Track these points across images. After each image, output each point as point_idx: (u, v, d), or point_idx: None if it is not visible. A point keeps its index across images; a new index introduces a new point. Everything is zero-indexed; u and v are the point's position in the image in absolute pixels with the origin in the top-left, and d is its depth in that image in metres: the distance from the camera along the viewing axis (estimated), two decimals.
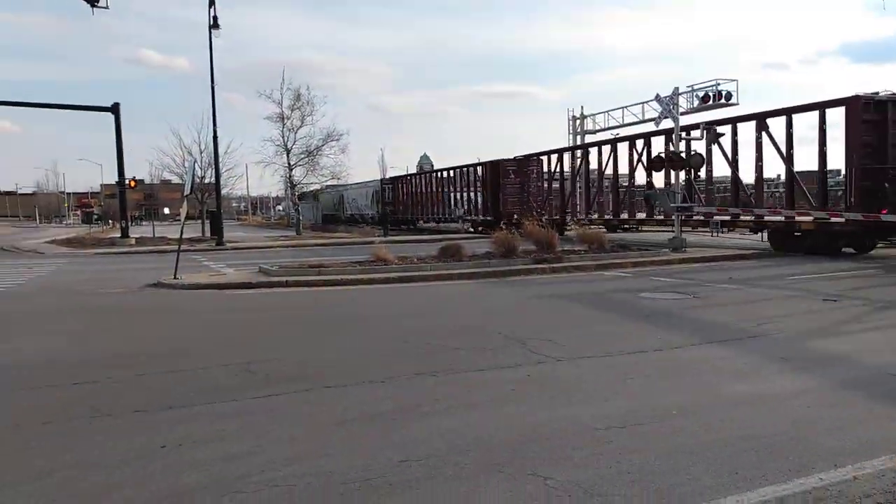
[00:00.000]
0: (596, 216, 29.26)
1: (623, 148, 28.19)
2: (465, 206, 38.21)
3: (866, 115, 17.94)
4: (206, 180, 38.25)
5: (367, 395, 5.85)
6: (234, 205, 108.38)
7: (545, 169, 34.13)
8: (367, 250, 18.83)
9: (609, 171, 28.99)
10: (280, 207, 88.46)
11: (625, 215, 28.61)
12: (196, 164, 35.79)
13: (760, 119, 21.03)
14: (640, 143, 27.09)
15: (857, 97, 18.19)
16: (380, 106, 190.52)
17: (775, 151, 20.41)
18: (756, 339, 7.94)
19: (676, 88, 21.86)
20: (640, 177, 28.08)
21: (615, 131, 35.29)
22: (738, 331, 8.41)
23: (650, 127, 26.09)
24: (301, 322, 10.33)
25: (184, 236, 18.58)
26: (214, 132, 31.26)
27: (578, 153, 32.32)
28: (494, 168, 35.86)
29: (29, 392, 6.23)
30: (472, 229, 37.46)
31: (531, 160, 34.75)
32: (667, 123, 22.60)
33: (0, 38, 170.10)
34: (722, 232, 25.13)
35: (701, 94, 23.61)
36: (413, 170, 67.95)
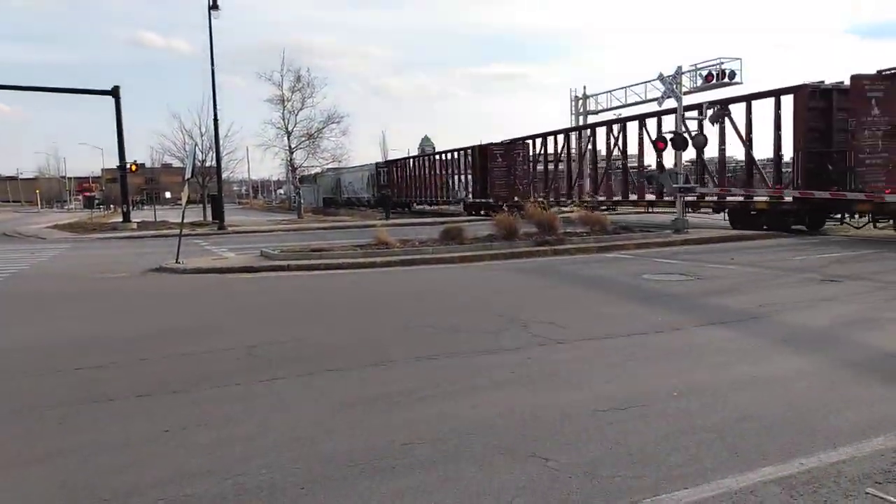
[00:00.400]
0: (579, 198, 30.06)
1: (616, 130, 28.64)
2: (466, 189, 38.27)
3: (812, 103, 19.02)
4: (207, 164, 38.18)
5: (369, 379, 5.88)
6: (235, 188, 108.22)
7: (536, 151, 34.76)
8: (368, 233, 18.83)
9: (606, 152, 29.29)
10: (281, 191, 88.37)
11: (617, 197, 28.79)
12: (197, 148, 35.80)
13: (724, 104, 22.09)
14: (632, 125, 27.42)
15: (803, 86, 19.22)
16: (381, 88, 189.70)
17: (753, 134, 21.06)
18: (757, 320, 7.95)
19: (679, 67, 21.66)
20: (638, 159, 28.19)
21: (617, 111, 35.08)
22: (739, 312, 8.42)
23: (653, 107, 25.98)
24: (303, 306, 10.36)
25: (185, 220, 18.59)
26: (215, 115, 31.20)
27: (573, 135, 32.42)
28: (483, 152, 36.94)
29: (31, 377, 6.26)
30: (463, 210, 38.56)
31: (517, 144, 35.61)
32: (670, 103, 22.46)
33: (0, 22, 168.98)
34: (688, 211, 25.75)
35: (704, 72, 23.42)
36: (415, 152, 67.84)
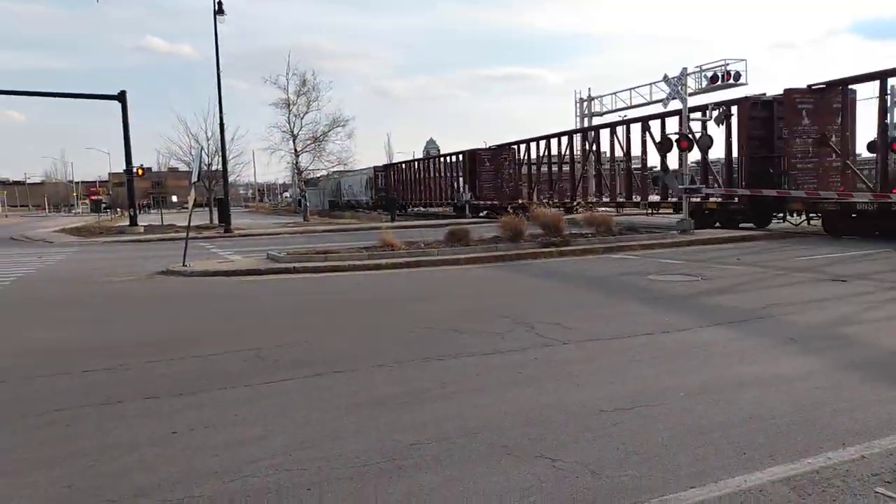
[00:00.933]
0: (564, 200, 31.35)
1: (619, 132, 28.92)
2: (470, 193, 38.66)
3: (754, 113, 21.23)
4: (213, 167, 38.31)
5: (376, 380, 5.89)
6: (241, 192, 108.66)
7: (539, 154, 35.29)
8: (373, 236, 18.87)
9: (610, 154, 29.53)
10: (287, 194, 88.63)
11: (621, 198, 28.99)
12: (203, 152, 35.98)
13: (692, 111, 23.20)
14: (620, 130, 27.99)
15: (746, 98, 21.78)
16: (385, 90, 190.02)
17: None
18: (763, 320, 7.92)
19: (685, 69, 21.64)
20: (642, 161, 28.22)
21: (623, 113, 35.06)
22: (745, 312, 8.39)
23: (658, 108, 25.97)
24: (309, 308, 10.38)
25: (192, 224, 18.66)
26: (221, 119, 31.29)
27: (576, 136, 32.67)
28: (472, 157, 39.04)
29: (39, 380, 6.30)
30: (453, 212, 40.17)
31: (504, 149, 37.85)
32: (675, 104, 22.42)
33: (6, 28, 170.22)
34: (655, 213, 27.51)
35: (709, 74, 23.40)
36: (420, 154, 68.32)
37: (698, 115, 22.63)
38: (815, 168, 19.98)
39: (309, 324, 8.87)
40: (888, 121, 18.19)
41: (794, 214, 21.04)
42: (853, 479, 3.60)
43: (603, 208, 28.67)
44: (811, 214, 20.16)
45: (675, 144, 22.28)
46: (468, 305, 9.85)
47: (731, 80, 24.24)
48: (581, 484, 3.66)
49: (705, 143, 23.10)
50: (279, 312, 9.89)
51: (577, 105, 40.21)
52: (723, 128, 22.38)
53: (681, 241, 18.12)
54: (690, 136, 21.76)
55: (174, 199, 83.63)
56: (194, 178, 19.67)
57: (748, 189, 21.17)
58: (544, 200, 29.72)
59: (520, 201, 31.73)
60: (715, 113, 22.54)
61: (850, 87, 20.02)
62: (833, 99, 20.00)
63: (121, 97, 32.66)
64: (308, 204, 42.85)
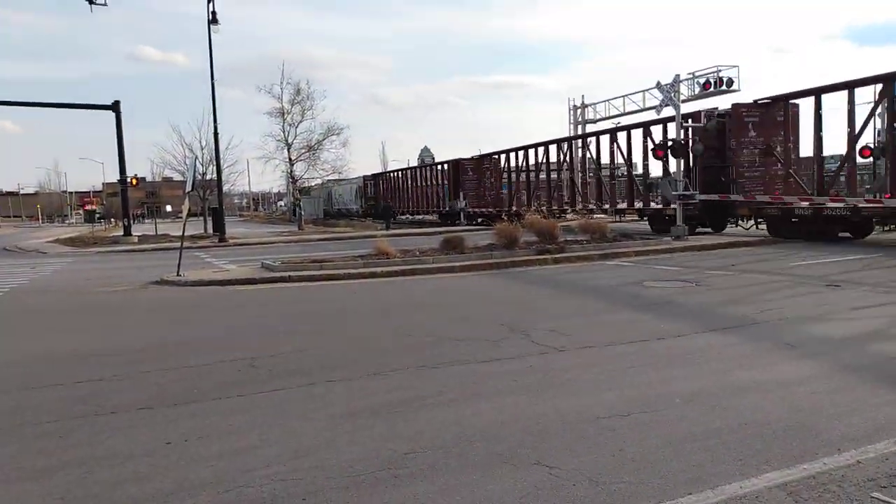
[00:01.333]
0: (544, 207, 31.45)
1: (606, 140, 29.53)
2: (465, 201, 39.00)
3: (708, 125, 22.25)
4: (208, 177, 38.24)
5: (371, 388, 5.86)
6: (235, 201, 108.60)
7: (519, 162, 36.02)
8: (368, 244, 18.84)
9: (595, 161, 30.14)
10: (282, 203, 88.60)
11: (606, 206, 29.37)
12: (197, 161, 35.80)
13: (646, 127, 24.84)
14: (604, 139, 29.08)
15: (699, 112, 22.82)
16: (380, 98, 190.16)
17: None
18: (759, 325, 7.93)
19: (677, 76, 21.74)
20: (627, 169, 28.41)
21: (616, 120, 35.22)
22: (741, 317, 8.41)
23: (651, 115, 26.14)
24: (304, 317, 10.35)
25: (186, 233, 18.61)
26: (215, 129, 31.28)
27: (564, 144, 33.19)
28: (455, 166, 40.33)
29: (32, 391, 6.25)
30: (439, 220, 41.64)
31: (486, 158, 39.24)
32: (668, 111, 22.52)
33: None
34: (617, 219, 28.90)
35: (702, 80, 23.52)
36: (415, 162, 68.70)
37: (689, 121, 22.75)
38: (761, 176, 21.58)
39: (304, 332, 8.84)
40: (822, 133, 19.69)
41: (744, 220, 22.42)
42: (849, 485, 3.60)
43: (572, 214, 29.67)
44: (758, 219, 21.71)
45: (668, 151, 22.39)
46: (463, 313, 9.84)
47: (724, 87, 24.36)
48: (578, 491, 3.65)
49: (698, 150, 23.19)
50: (273, 321, 9.86)
51: (571, 112, 40.34)
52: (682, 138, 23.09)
53: (675, 248, 18.16)
54: (683, 142, 21.87)
55: (168, 208, 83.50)
56: (188, 188, 19.62)
57: (741, 195, 21.62)
58: (535, 208, 30.00)
59: (509, 208, 32.48)
60: (707, 120, 22.67)
61: (791, 101, 21.47)
62: (777, 112, 21.45)
63: (114, 107, 32.62)
64: (303, 213, 42.78)
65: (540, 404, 5.20)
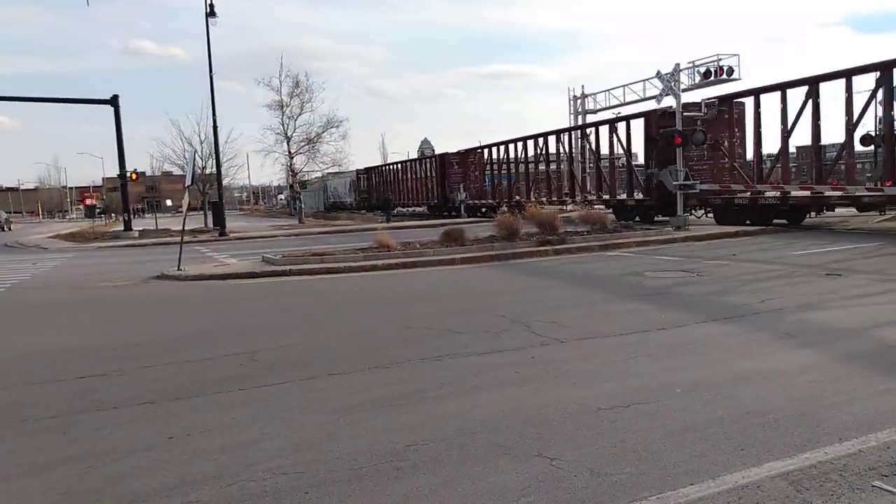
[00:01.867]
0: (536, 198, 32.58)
1: (599, 131, 30.18)
2: (465, 193, 39.20)
3: (661, 123, 23.79)
4: (208, 171, 38.21)
5: (372, 381, 5.87)
6: (235, 195, 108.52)
7: (507, 156, 36.86)
8: (369, 237, 18.83)
9: (592, 152, 30.31)
10: (282, 196, 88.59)
11: (606, 196, 29.56)
12: (196, 155, 35.84)
13: (611, 123, 26.65)
14: (602, 129, 29.42)
15: (653, 111, 24.94)
16: (379, 90, 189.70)
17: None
18: (760, 315, 7.93)
19: (678, 65, 21.66)
20: (627, 159, 28.40)
21: (616, 110, 35.06)
22: (741, 307, 8.41)
23: (652, 105, 26.09)
24: (305, 310, 10.36)
25: (186, 228, 18.60)
26: (214, 122, 31.22)
27: (540, 140, 33.63)
28: (441, 160, 41.51)
29: (34, 386, 6.26)
30: (428, 211, 42.85)
31: (471, 153, 40.42)
32: (668, 101, 22.45)
33: None
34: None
35: (702, 69, 23.38)
36: (415, 154, 68.79)
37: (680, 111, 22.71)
38: (709, 169, 23.91)
39: (304, 326, 8.85)
40: (761, 129, 21.47)
41: (695, 209, 24.17)
42: (850, 474, 3.60)
43: (572, 206, 30.42)
44: (707, 208, 23.60)
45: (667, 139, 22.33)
46: (464, 305, 9.84)
47: (724, 76, 24.19)
48: (579, 482, 3.65)
49: (698, 139, 23.14)
50: (274, 315, 9.86)
51: (571, 102, 40.17)
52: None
53: (676, 238, 18.14)
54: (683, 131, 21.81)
55: (168, 203, 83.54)
56: (188, 182, 19.60)
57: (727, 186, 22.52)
58: (536, 199, 30.31)
59: (510, 200, 32.74)
60: (707, 109, 22.60)
61: (736, 100, 23.05)
62: (726, 111, 23.05)
63: (113, 101, 32.55)
64: (303, 206, 42.75)
65: (541, 395, 5.21)
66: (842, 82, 18.89)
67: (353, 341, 7.67)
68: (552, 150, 33.06)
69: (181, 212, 19.26)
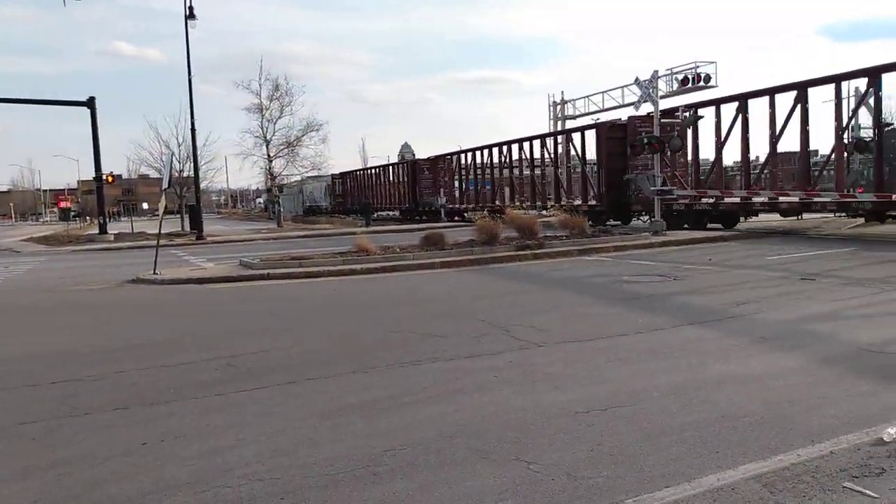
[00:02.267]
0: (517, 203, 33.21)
1: (576, 138, 30.57)
2: (445, 197, 39.53)
3: (612, 134, 26.21)
4: (185, 174, 37.84)
5: (351, 386, 5.84)
6: (213, 198, 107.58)
7: (511, 158, 36.82)
8: (348, 241, 18.77)
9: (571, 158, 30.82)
10: (260, 200, 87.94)
11: (578, 202, 30.21)
12: (174, 158, 35.54)
13: (565, 133, 28.05)
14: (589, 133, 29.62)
15: (603, 123, 27.76)
16: (359, 94, 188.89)
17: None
18: (736, 319, 8.03)
19: (656, 71, 21.90)
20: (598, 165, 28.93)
21: (595, 116, 35.38)
22: (718, 311, 8.51)
23: (630, 111, 26.43)
24: (282, 315, 10.28)
25: (163, 231, 18.40)
26: (192, 125, 30.91)
27: (514, 146, 34.20)
28: (413, 166, 43.31)
29: (6, 392, 6.14)
30: (399, 216, 44.74)
31: (440, 159, 41.44)
32: (647, 107, 22.70)
33: None
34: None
35: (680, 77, 23.66)
36: (395, 158, 69.01)
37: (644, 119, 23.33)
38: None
39: (283, 330, 8.78)
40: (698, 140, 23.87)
41: (642, 214, 25.74)
42: (822, 475, 3.66)
43: (552, 210, 30.56)
44: (649, 214, 24.55)
45: (645, 146, 22.56)
46: (444, 309, 9.84)
47: (702, 83, 24.53)
48: (556, 486, 3.66)
49: (675, 145, 23.42)
50: (252, 319, 9.78)
51: (552, 108, 40.47)
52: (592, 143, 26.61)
53: (654, 243, 18.32)
54: (660, 137, 22.06)
55: (145, 206, 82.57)
56: (165, 185, 19.39)
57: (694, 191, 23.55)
58: (516, 204, 30.64)
59: (492, 204, 33.22)
60: (685, 116, 22.88)
61: (677, 113, 24.20)
62: (667, 124, 23.93)
63: (89, 103, 32.11)
64: (282, 209, 42.51)
65: (520, 399, 5.22)
66: (765, 99, 20.79)
67: (332, 346, 7.63)
68: (526, 155, 33.57)
69: (157, 215, 19.06)
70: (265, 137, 39.81)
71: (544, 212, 29.35)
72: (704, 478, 3.69)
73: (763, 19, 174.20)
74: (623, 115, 28.49)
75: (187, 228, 34.91)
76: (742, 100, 21.63)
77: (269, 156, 40.14)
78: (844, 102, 20.79)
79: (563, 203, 29.58)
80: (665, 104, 23.23)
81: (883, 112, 20.14)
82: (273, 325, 9.27)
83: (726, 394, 5.16)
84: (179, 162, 37.86)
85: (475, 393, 5.45)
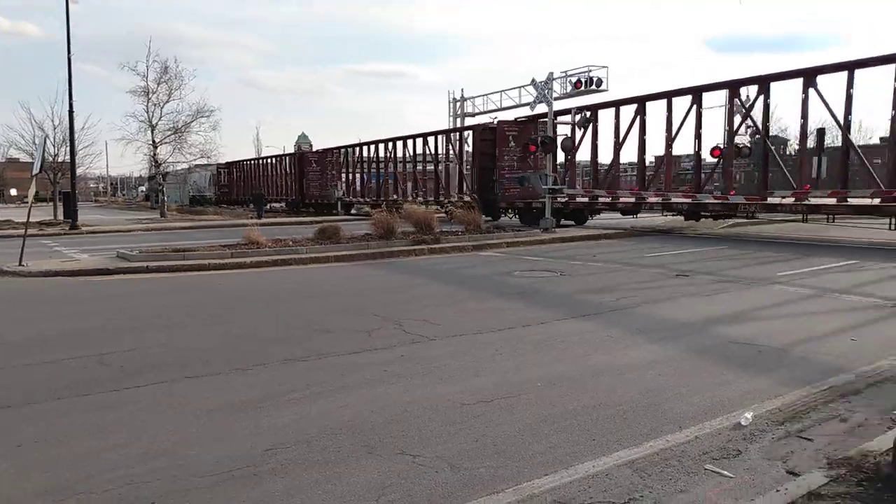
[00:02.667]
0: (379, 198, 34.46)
1: (454, 138, 31.90)
2: (344, 188, 38.99)
3: (484, 136, 27.73)
4: (60, 158, 35.02)
5: (235, 384, 5.62)
6: (91, 185, 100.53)
7: (408, 152, 37.04)
8: (238, 233, 18.08)
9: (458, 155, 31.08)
10: (143, 188, 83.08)
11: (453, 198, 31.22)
12: (48, 141, 32.83)
13: (447, 133, 30.50)
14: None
15: (477, 125, 29.37)
16: (254, 81, 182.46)
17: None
18: (616, 312, 8.44)
19: (551, 74, 22.62)
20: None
21: (493, 115, 36.05)
22: (600, 305, 8.90)
23: (526, 111, 27.14)
24: (161, 310, 9.73)
25: (33, 220, 16.94)
26: (70, 106, 28.55)
27: (401, 143, 34.97)
28: (300, 158, 43.32)
29: None
30: (286, 208, 44.42)
31: (329, 152, 41.84)
32: (542, 108, 23.38)
33: None
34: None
35: (574, 80, 24.54)
36: (292, 149, 67.39)
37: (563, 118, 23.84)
38: (519, 178, 26.83)
39: (160, 327, 8.30)
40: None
41: (507, 212, 27.56)
42: (687, 459, 3.91)
43: (450, 206, 31.46)
44: (514, 212, 27.09)
45: (539, 146, 23.29)
46: (336, 304, 9.69)
47: (594, 87, 25.56)
48: (440, 478, 3.69)
49: (567, 145, 24.33)
50: (127, 315, 9.19)
51: (451, 105, 40.83)
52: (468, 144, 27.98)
53: (544, 239, 18.93)
54: (554, 138, 22.85)
55: (13, 192, 75.83)
56: (36, 170, 17.84)
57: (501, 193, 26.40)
58: (414, 198, 30.80)
59: (391, 198, 33.04)
60: (578, 117, 23.79)
61: (539, 121, 26.26)
62: (531, 128, 26.91)
63: None
64: (166, 199, 40.29)
65: (409, 393, 5.22)
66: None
67: (215, 342, 7.30)
68: (431, 150, 33.80)
69: (27, 202, 17.52)
70: (150, 122, 37.47)
71: (439, 207, 29.70)
72: (581, 465, 3.84)
73: (653, 28, 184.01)
74: (521, 114, 29.22)
75: (61, 217, 32.36)
76: (640, 102, 22.25)
77: (154, 142, 37.75)
78: (724, 109, 22.25)
79: (453, 199, 30.15)
80: (560, 105, 24.06)
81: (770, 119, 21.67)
82: (149, 321, 8.75)
83: (604, 383, 5.40)
84: (54, 146, 34.97)
85: (364, 388, 5.40)
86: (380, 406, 4.93)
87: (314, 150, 50.35)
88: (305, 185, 41.77)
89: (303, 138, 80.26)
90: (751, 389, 5.21)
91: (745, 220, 23.54)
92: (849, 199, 17.69)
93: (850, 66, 16.83)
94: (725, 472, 3.72)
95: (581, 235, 19.96)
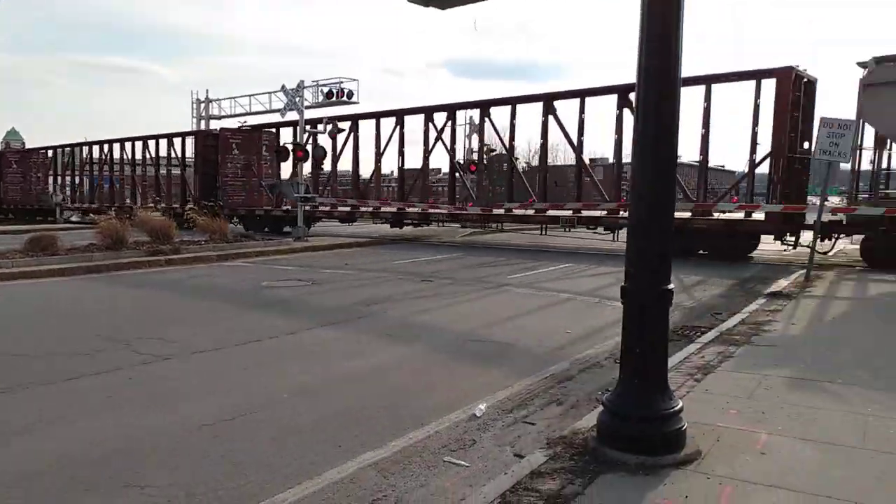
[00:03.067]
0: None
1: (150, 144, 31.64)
2: (62, 194, 34.78)
3: (207, 142, 27.85)
4: None
5: None
6: None
7: (147, 154, 34.21)
8: None
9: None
10: None
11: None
12: None
13: (169, 137, 29.38)
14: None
15: (201, 131, 29.40)
16: None
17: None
18: (365, 318, 8.58)
19: (302, 81, 22.40)
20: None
21: (242, 118, 34.59)
22: (349, 312, 8.98)
23: (276, 117, 26.53)
24: None
25: None
26: None
27: (140, 144, 32.75)
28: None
29: None
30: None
31: (34, 152, 40.19)
32: (292, 115, 23.01)
33: None
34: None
35: (326, 90, 24.58)
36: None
37: (321, 126, 23.74)
38: (243, 186, 27.54)
39: None
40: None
41: (231, 218, 27.01)
42: (427, 453, 4.09)
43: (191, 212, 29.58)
44: (236, 217, 26.67)
45: (291, 154, 22.90)
46: (53, 325, 8.43)
47: (346, 98, 25.88)
48: None
49: (319, 154, 24.28)
50: None
51: (195, 106, 38.21)
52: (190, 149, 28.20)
53: (296, 248, 18.62)
54: (305, 145, 22.64)
55: None
56: None
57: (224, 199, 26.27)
58: (151, 205, 28.32)
59: (121, 204, 30.23)
60: (329, 126, 23.87)
61: (264, 130, 27.92)
62: (256, 137, 27.94)
63: None
64: None
65: (138, 419, 4.71)
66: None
67: None
68: (171, 153, 31.54)
69: None
70: None
71: (181, 214, 27.66)
72: (327, 472, 3.81)
73: (401, 48, 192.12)
74: (271, 119, 28.45)
75: None
76: (399, 115, 23.19)
77: None
78: (461, 129, 24.19)
79: (175, 205, 28.73)
80: (315, 114, 23.96)
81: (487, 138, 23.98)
82: None
83: (351, 390, 5.44)
84: None
85: (85, 418, 4.75)
86: (102, 437, 4.37)
87: (25, 147, 43.87)
88: (3, 188, 38.52)
89: (12, 134, 69.23)
90: (486, 382, 5.64)
91: (482, 230, 25.81)
92: (549, 212, 20.06)
93: (582, 94, 19.20)
94: (462, 462, 3.96)
95: (333, 244, 20.01)
